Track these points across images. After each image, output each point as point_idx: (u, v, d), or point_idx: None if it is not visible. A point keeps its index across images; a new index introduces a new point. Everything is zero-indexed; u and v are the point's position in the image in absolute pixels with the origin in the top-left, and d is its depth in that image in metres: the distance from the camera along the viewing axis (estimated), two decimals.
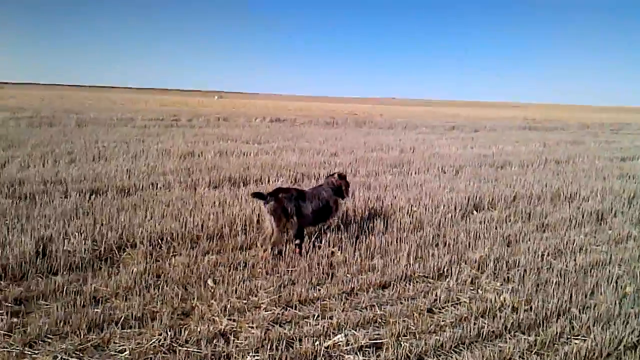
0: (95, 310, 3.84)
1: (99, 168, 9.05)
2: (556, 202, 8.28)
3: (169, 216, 6.13)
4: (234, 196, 7.45)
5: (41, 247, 4.82)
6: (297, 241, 5.49)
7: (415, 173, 10.56)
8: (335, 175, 6.10)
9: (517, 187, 9.08)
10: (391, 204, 7.39)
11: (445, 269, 5.14)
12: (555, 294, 4.64)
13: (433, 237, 6.08)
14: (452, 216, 7.08)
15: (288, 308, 4.15)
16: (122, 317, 3.79)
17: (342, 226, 6.18)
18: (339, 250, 5.48)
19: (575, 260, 5.60)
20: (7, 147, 11.04)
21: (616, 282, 4.96)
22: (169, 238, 5.48)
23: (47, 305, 3.96)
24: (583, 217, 7.37)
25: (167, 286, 4.37)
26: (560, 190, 8.95)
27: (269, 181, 8.82)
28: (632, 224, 7.20)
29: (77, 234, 5.21)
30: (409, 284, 4.80)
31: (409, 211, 7.09)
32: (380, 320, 4.05)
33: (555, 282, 4.89)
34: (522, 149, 16.57)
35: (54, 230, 5.29)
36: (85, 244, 4.98)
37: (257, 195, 5.39)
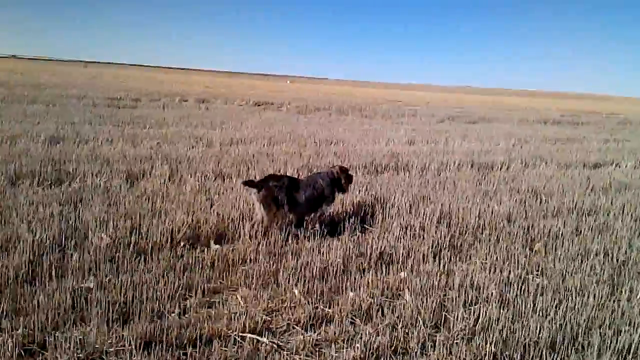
0: None
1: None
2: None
3: None
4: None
5: None
6: (295, 230, 5.46)
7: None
8: (337, 167, 6.06)
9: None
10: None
11: None
12: None
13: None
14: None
15: None
16: None
17: None
18: None
19: None
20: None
21: None
22: None
23: None
24: None
25: None
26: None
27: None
28: None
29: None
30: None
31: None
32: None
33: None
34: (476, 147, 14.77)
35: None
36: None
37: (248, 183, 5.29)
